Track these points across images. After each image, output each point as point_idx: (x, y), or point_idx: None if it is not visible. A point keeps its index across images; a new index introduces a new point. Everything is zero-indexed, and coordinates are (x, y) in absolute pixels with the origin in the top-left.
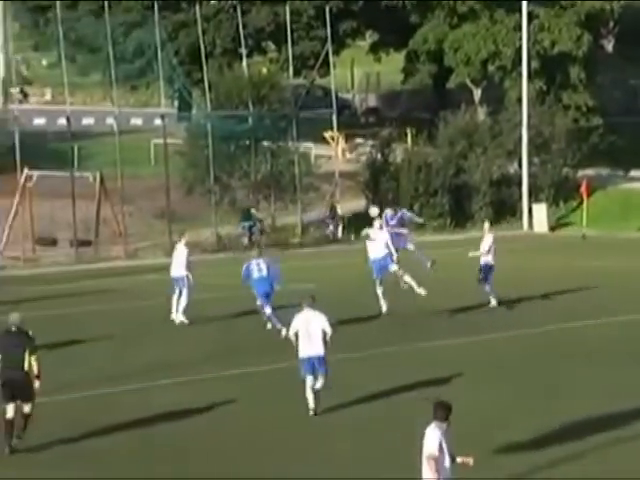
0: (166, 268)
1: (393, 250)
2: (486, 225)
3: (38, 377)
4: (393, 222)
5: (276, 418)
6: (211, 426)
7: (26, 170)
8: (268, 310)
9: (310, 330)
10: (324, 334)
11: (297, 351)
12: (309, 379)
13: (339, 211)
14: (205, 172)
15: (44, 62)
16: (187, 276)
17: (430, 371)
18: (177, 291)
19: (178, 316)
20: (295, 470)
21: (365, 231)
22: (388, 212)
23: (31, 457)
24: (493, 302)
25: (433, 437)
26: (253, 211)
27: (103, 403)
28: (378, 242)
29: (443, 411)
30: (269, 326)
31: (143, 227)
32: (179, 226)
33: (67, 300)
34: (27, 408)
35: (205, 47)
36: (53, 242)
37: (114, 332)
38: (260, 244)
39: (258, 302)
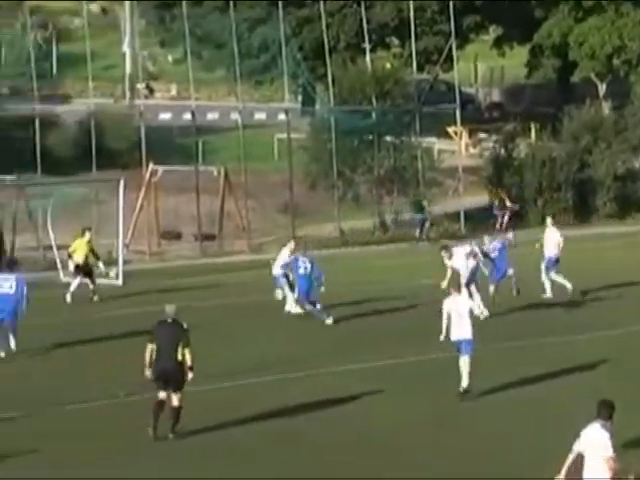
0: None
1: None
2: (549, 221)
3: (191, 369)
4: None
5: (414, 412)
6: (348, 418)
7: (151, 165)
8: (308, 306)
9: (460, 312)
10: (471, 314)
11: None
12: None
13: (508, 203)
14: (328, 167)
15: (170, 58)
16: (283, 274)
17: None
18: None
19: (293, 307)
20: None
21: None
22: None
23: (169, 446)
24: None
25: (605, 438)
26: (425, 203)
27: (234, 395)
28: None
29: (607, 410)
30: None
31: (266, 222)
32: (302, 221)
33: (191, 293)
34: (176, 400)
35: (329, 42)
36: (178, 236)
37: (238, 325)
38: (429, 236)
39: (295, 295)
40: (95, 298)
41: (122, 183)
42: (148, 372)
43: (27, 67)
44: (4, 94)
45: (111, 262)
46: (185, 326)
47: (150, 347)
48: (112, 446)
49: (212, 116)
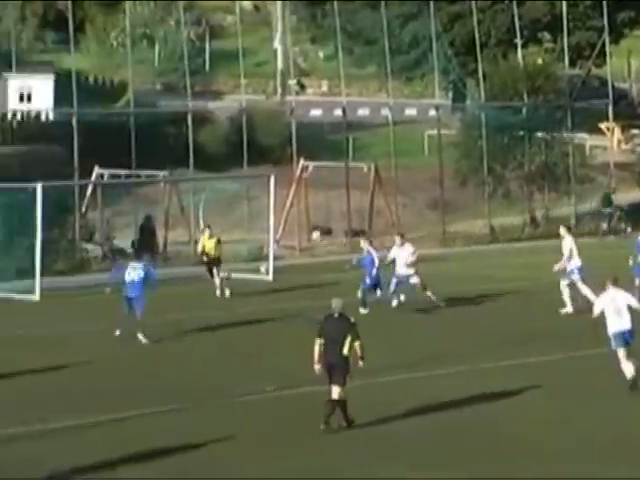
0: (439, 259)
1: None
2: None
3: (362, 358)
4: None
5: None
6: (501, 414)
7: (302, 161)
8: (378, 292)
9: (618, 306)
10: (630, 308)
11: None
12: (621, 351)
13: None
14: (478, 163)
15: (321, 54)
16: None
17: None
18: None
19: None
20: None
21: None
22: None
23: (328, 439)
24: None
25: None
26: (613, 197)
27: (392, 390)
28: None
29: None
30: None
31: (416, 218)
32: (452, 217)
33: (342, 289)
34: (335, 394)
35: (480, 38)
36: (328, 232)
37: (389, 321)
38: (616, 230)
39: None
40: (218, 293)
41: (273, 179)
42: (317, 367)
43: (180, 64)
44: (158, 90)
45: (262, 258)
46: (352, 320)
47: (318, 342)
48: (269, 439)
49: (362, 112)
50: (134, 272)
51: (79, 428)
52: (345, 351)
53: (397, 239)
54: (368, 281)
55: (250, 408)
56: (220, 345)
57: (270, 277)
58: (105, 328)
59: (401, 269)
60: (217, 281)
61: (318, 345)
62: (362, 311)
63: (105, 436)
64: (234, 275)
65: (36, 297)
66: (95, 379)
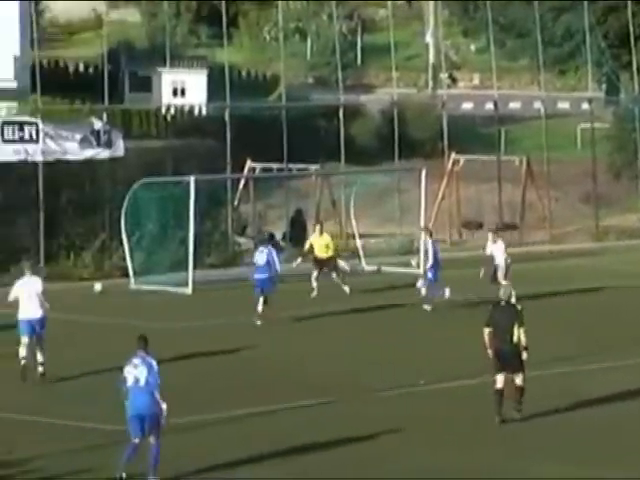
0: (593, 253)
1: None
2: (490, 235)
3: (526, 349)
4: None
5: None
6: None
7: (453, 154)
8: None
9: None
10: None
11: None
12: None
13: None
14: (632, 156)
15: (472, 47)
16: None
17: None
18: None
19: None
20: None
21: None
22: None
23: (481, 433)
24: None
25: None
26: None
27: (550, 382)
28: None
29: None
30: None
31: (568, 212)
32: (605, 211)
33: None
34: (518, 380)
35: (634, 30)
36: (479, 226)
37: (549, 313)
38: None
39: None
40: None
41: (424, 172)
42: (490, 351)
43: (332, 57)
44: (310, 84)
45: (412, 251)
46: (519, 307)
47: (487, 330)
48: (430, 431)
49: (514, 105)
50: (260, 255)
51: (223, 421)
52: (515, 339)
53: (490, 235)
54: (430, 275)
55: (404, 402)
56: (367, 339)
57: (421, 271)
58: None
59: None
60: (315, 284)
61: (487, 334)
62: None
63: (248, 430)
64: (385, 268)
65: (189, 290)
66: (244, 372)
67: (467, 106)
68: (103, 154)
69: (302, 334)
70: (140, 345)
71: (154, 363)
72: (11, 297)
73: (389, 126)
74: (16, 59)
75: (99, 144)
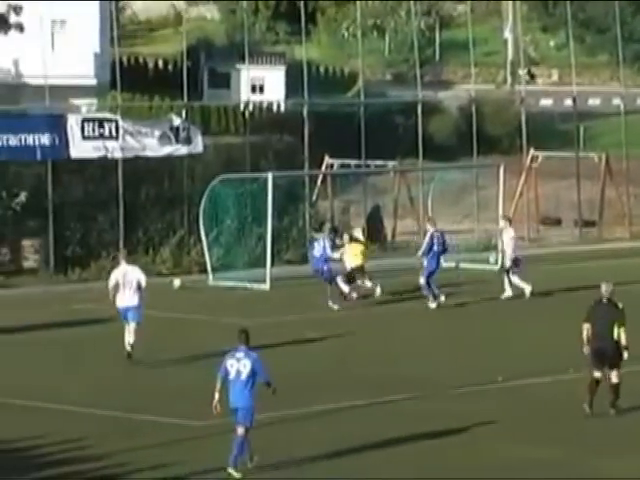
0: None
1: None
2: (501, 223)
3: (626, 348)
4: None
5: None
6: None
7: (532, 151)
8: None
9: None
10: None
11: None
12: None
13: None
14: None
15: (551, 43)
16: None
17: None
18: None
19: None
20: None
21: None
22: None
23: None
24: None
25: None
26: None
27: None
28: None
29: None
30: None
31: None
32: None
33: (571, 280)
34: (614, 377)
35: None
36: (557, 222)
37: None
38: None
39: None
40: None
41: (502, 169)
42: (586, 349)
43: (410, 54)
44: (388, 81)
45: (491, 248)
46: (620, 306)
47: (586, 326)
48: (508, 428)
49: (593, 102)
50: (317, 245)
51: (303, 417)
52: (615, 336)
53: (502, 223)
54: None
55: (482, 398)
56: (444, 335)
57: (498, 267)
58: (333, 316)
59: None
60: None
61: (586, 330)
62: (431, 305)
63: (324, 426)
64: (463, 265)
65: (266, 286)
66: (325, 367)
67: (546, 102)
68: (182, 150)
69: (378, 330)
70: (242, 339)
71: (257, 356)
72: (111, 284)
73: (467, 122)
74: (96, 56)
75: (178, 141)
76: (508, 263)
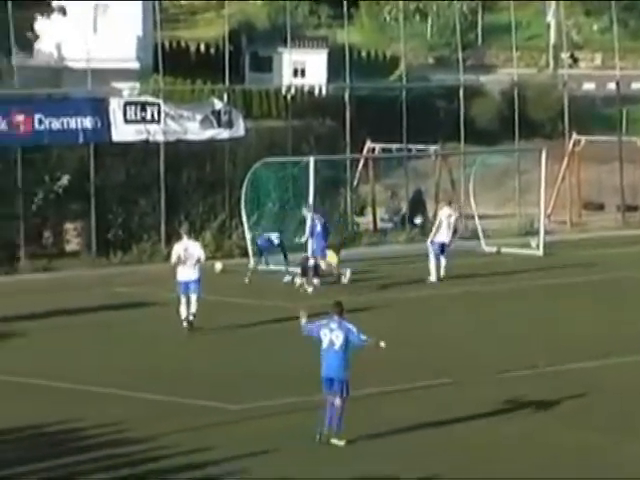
0: None
1: None
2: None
3: None
4: None
5: None
6: None
7: (574, 135)
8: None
9: None
10: None
11: None
12: None
13: None
14: None
15: (595, 27)
16: None
17: None
18: None
19: None
20: None
21: None
22: None
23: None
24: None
25: None
26: None
27: None
28: None
29: None
30: None
31: None
32: None
33: (613, 265)
34: None
35: None
36: (600, 207)
37: None
38: None
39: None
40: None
41: (544, 153)
42: None
43: (453, 38)
44: (430, 64)
45: (532, 232)
46: None
47: None
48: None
49: (636, 85)
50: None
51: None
52: None
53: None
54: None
55: (523, 383)
56: (485, 320)
57: (540, 252)
58: (378, 300)
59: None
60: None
61: None
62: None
63: (369, 409)
64: (505, 250)
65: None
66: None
67: (588, 86)
68: (224, 134)
69: (422, 315)
70: (336, 310)
71: (352, 326)
72: (173, 259)
73: (509, 106)
74: (139, 40)
75: (220, 124)
76: None
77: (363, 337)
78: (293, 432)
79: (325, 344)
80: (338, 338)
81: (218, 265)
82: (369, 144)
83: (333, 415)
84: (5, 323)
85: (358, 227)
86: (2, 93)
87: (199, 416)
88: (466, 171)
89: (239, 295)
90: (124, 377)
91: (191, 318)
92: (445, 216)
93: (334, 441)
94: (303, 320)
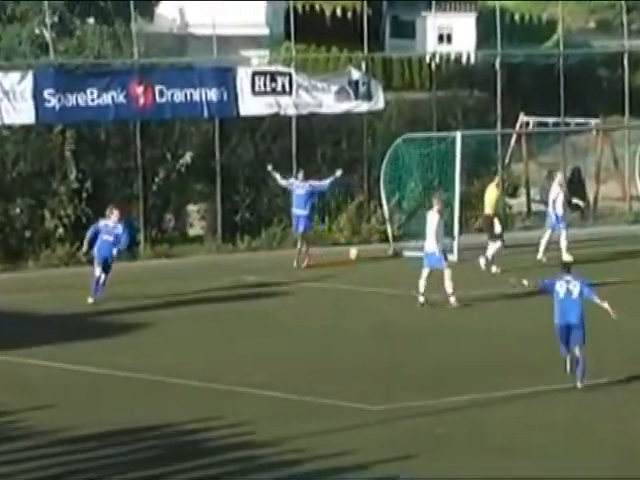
0: None
1: None
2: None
3: None
4: None
5: None
6: None
7: None
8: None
9: None
10: None
11: None
12: None
13: None
14: None
15: None
16: None
17: None
18: None
19: None
20: None
21: None
22: None
23: None
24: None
25: None
26: None
27: None
28: None
29: None
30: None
31: None
32: None
33: None
34: None
35: None
36: None
37: None
38: None
39: None
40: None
41: None
42: None
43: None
44: (591, 29)
45: None
46: None
47: None
48: None
49: None
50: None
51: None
52: None
53: None
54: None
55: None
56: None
57: None
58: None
59: None
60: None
61: None
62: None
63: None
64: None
65: (454, 257)
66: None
67: None
68: (361, 107)
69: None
70: (566, 270)
71: (586, 281)
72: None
73: None
74: (269, 4)
75: (357, 96)
76: None
77: (595, 295)
78: (442, 435)
79: (562, 294)
80: (576, 287)
81: (353, 251)
82: (522, 118)
83: (578, 365)
84: (127, 314)
85: (510, 209)
86: (120, 62)
87: (336, 417)
88: (631, 148)
89: (376, 284)
90: (252, 373)
91: (452, 300)
92: None
93: (579, 384)
94: (525, 282)
